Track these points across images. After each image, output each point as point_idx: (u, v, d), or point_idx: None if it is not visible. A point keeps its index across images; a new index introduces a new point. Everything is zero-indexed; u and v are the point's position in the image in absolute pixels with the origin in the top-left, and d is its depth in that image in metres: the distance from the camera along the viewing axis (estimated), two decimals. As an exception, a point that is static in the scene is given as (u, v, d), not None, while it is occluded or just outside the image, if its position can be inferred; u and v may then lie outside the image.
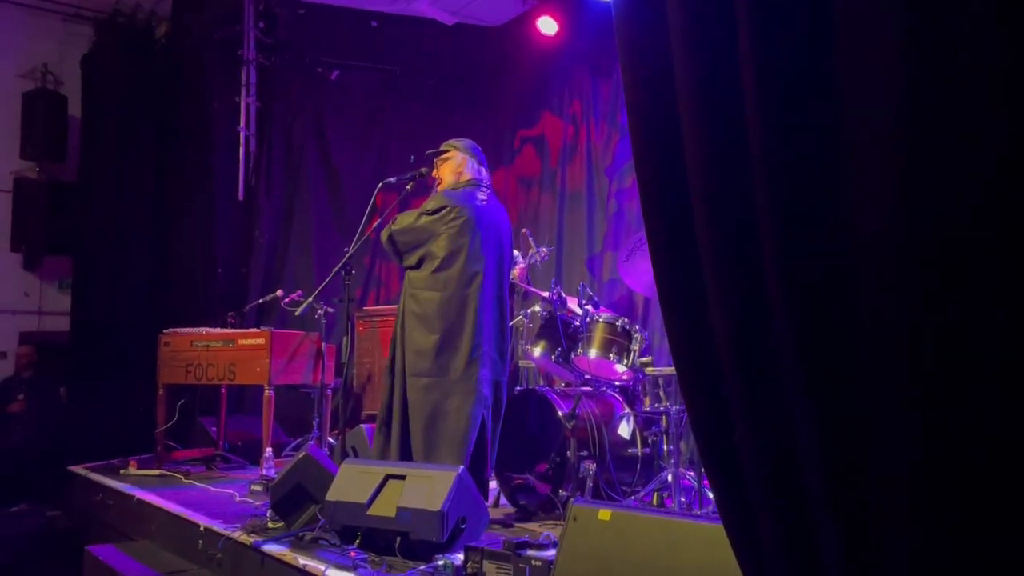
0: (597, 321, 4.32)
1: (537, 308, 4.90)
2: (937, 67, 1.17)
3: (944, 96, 1.17)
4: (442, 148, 4.13)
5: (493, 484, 4.33)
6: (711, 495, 3.76)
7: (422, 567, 3.02)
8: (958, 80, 1.16)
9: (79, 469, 6.00)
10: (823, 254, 1.32)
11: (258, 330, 5.74)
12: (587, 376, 4.45)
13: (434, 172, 4.12)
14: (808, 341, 1.32)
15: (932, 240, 1.18)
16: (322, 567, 3.08)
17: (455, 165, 4.05)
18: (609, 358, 4.27)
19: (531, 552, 2.49)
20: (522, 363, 5.17)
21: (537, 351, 4.48)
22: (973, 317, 1.19)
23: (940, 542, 1.25)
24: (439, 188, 4.07)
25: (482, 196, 4.02)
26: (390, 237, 3.99)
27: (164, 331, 6.06)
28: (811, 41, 1.31)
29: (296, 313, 4.31)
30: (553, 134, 7.51)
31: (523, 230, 5.41)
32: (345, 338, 4.22)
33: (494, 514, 4.00)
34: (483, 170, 4.12)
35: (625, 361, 4.27)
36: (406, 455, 3.81)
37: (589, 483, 3.88)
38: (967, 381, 1.22)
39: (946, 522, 1.25)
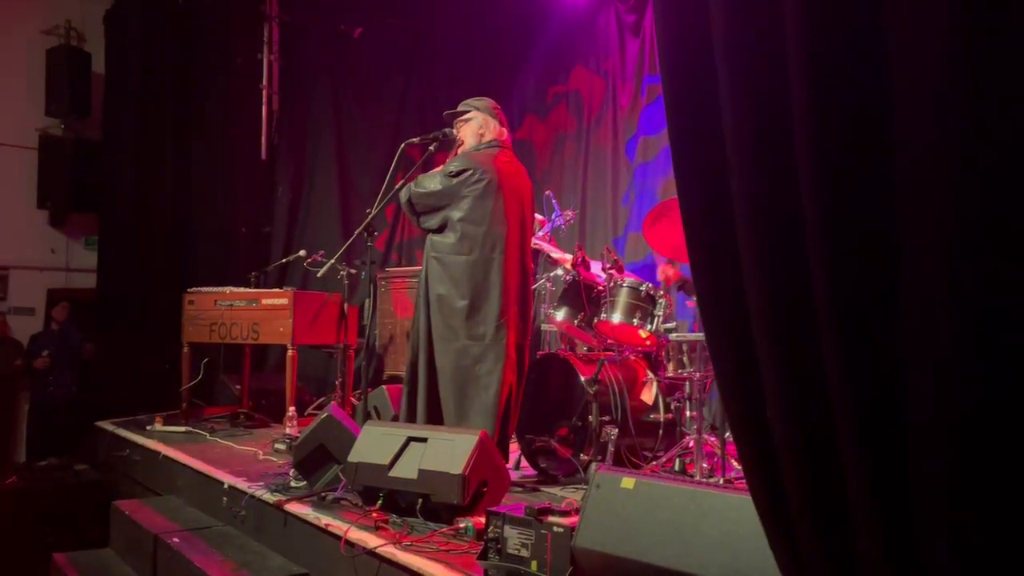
0: (621, 286, 4.27)
1: (560, 272, 4.86)
2: (994, 38, 1.11)
3: (1000, 66, 1.10)
4: (461, 108, 4.06)
5: (514, 447, 4.34)
6: (734, 462, 3.73)
7: (443, 529, 3.03)
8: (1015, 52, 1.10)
9: (106, 424, 6.10)
10: (868, 220, 1.26)
11: (281, 290, 5.76)
12: (610, 341, 4.42)
13: (455, 132, 4.06)
14: (848, 314, 1.27)
15: (982, 216, 1.12)
16: (344, 527, 3.10)
17: (476, 126, 3.99)
18: (632, 323, 4.23)
19: (553, 518, 2.48)
20: (544, 327, 5.14)
21: (560, 315, 4.44)
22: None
23: (978, 520, 1.22)
24: (460, 149, 4.01)
25: (504, 158, 3.96)
26: (409, 199, 3.94)
27: (188, 290, 6.10)
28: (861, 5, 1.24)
29: (319, 275, 4.29)
30: (587, 89, 7.39)
31: (546, 192, 5.35)
32: (368, 300, 4.21)
33: (515, 477, 4.01)
34: (504, 131, 4.06)
35: (649, 326, 4.23)
36: (435, 419, 3.81)
37: (611, 448, 3.87)
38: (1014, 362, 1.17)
39: (984, 499, 1.21)
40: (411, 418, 3.88)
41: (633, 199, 6.73)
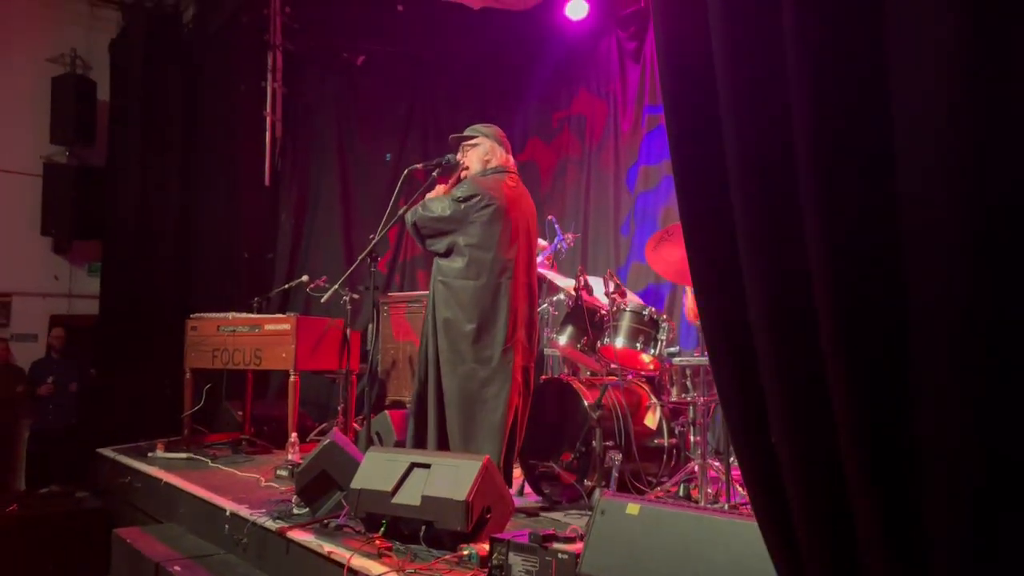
0: (624, 310, 4.27)
1: (563, 296, 4.86)
2: (996, 49, 1.12)
3: (1003, 79, 1.12)
4: (467, 133, 4.08)
5: (518, 472, 4.31)
6: (739, 488, 3.71)
7: (447, 556, 3.00)
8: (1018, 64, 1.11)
9: (107, 451, 6.08)
10: (869, 236, 1.27)
11: (284, 316, 5.76)
12: (613, 365, 4.41)
13: (460, 158, 4.07)
14: (850, 330, 1.27)
15: (986, 227, 1.13)
16: (347, 554, 3.07)
17: (483, 152, 4.00)
18: (636, 347, 4.22)
19: (557, 545, 2.46)
20: (547, 351, 5.14)
21: (563, 339, 4.44)
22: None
23: (986, 528, 1.21)
24: (466, 174, 4.02)
25: (511, 183, 3.98)
26: (417, 221, 3.94)
27: (191, 316, 6.10)
28: (861, 16, 1.26)
29: (322, 300, 4.30)
30: (590, 113, 7.45)
31: (548, 217, 5.36)
32: (371, 325, 4.21)
33: (518, 503, 3.98)
34: (510, 158, 4.08)
35: (652, 351, 4.22)
36: (443, 444, 3.79)
37: (614, 473, 3.84)
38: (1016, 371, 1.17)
39: (991, 506, 1.20)
40: (419, 444, 3.86)
41: (634, 230, 6.75)
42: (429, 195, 4.00)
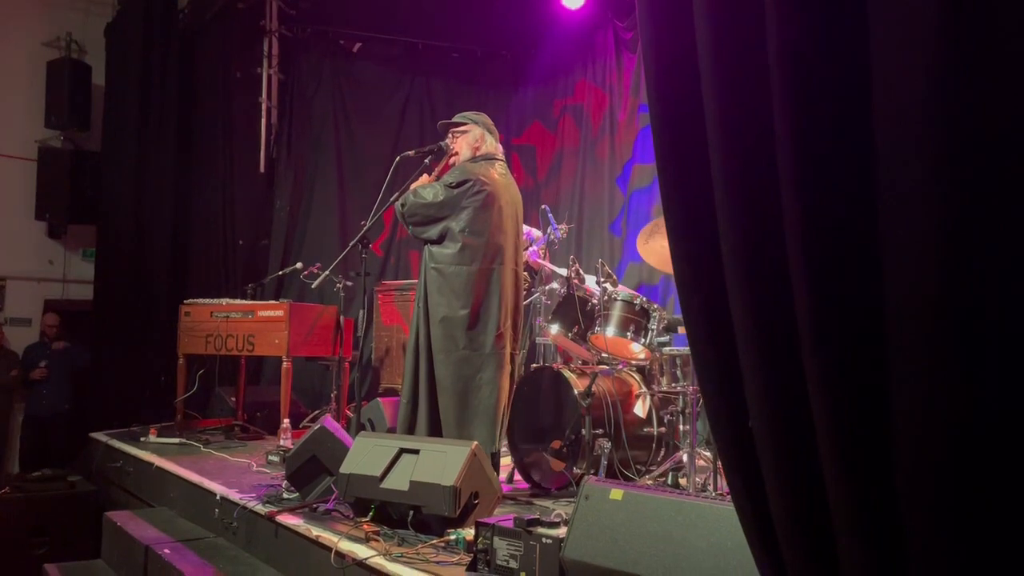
0: (615, 299, 4.29)
1: (555, 285, 4.87)
2: (980, 40, 1.13)
3: (983, 71, 1.13)
4: (456, 120, 4.08)
5: (507, 460, 4.33)
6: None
7: (434, 541, 3.02)
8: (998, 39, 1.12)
9: (100, 436, 6.09)
10: (848, 228, 1.28)
11: (277, 302, 5.77)
12: (604, 354, 4.42)
13: (450, 143, 4.08)
14: (828, 321, 1.28)
15: (967, 216, 1.14)
16: (335, 539, 3.09)
17: (472, 139, 4.01)
18: (626, 337, 4.24)
19: (542, 529, 2.48)
20: (538, 340, 5.15)
21: (554, 328, 4.45)
22: (1009, 297, 1.16)
23: (963, 525, 1.23)
24: (455, 161, 4.02)
25: (500, 170, 3.99)
26: (408, 209, 3.93)
27: (184, 301, 6.11)
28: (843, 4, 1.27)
29: (313, 286, 4.31)
30: (588, 102, 7.46)
31: (543, 206, 5.37)
32: (362, 311, 4.22)
33: (508, 490, 4.00)
34: (499, 145, 4.09)
35: (642, 340, 4.24)
36: (435, 431, 3.80)
37: (604, 461, 3.87)
38: (997, 362, 1.18)
39: (970, 506, 1.22)
40: (411, 431, 3.87)
41: (626, 232, 6.76)
42: (414, 184, 3.99)
